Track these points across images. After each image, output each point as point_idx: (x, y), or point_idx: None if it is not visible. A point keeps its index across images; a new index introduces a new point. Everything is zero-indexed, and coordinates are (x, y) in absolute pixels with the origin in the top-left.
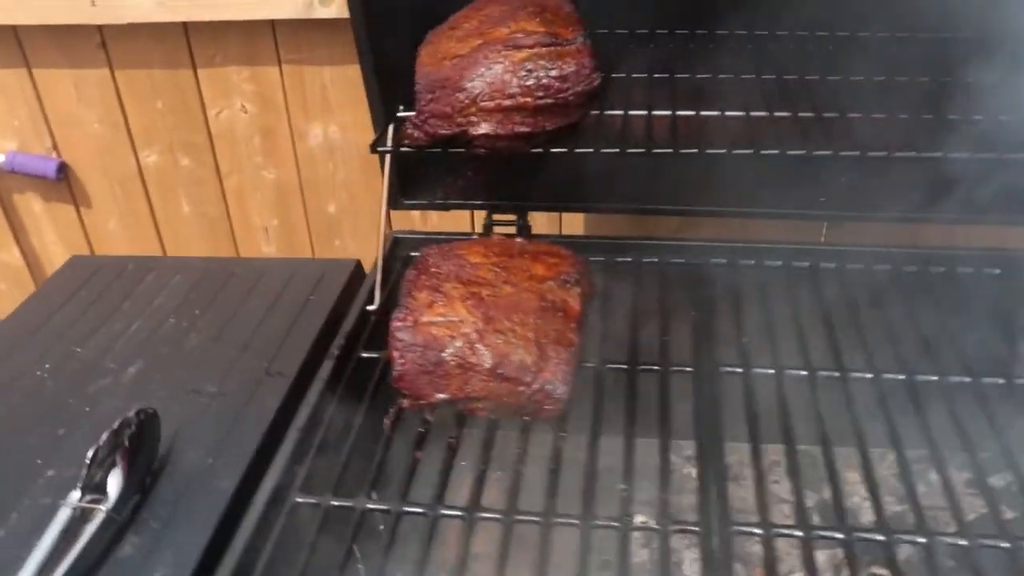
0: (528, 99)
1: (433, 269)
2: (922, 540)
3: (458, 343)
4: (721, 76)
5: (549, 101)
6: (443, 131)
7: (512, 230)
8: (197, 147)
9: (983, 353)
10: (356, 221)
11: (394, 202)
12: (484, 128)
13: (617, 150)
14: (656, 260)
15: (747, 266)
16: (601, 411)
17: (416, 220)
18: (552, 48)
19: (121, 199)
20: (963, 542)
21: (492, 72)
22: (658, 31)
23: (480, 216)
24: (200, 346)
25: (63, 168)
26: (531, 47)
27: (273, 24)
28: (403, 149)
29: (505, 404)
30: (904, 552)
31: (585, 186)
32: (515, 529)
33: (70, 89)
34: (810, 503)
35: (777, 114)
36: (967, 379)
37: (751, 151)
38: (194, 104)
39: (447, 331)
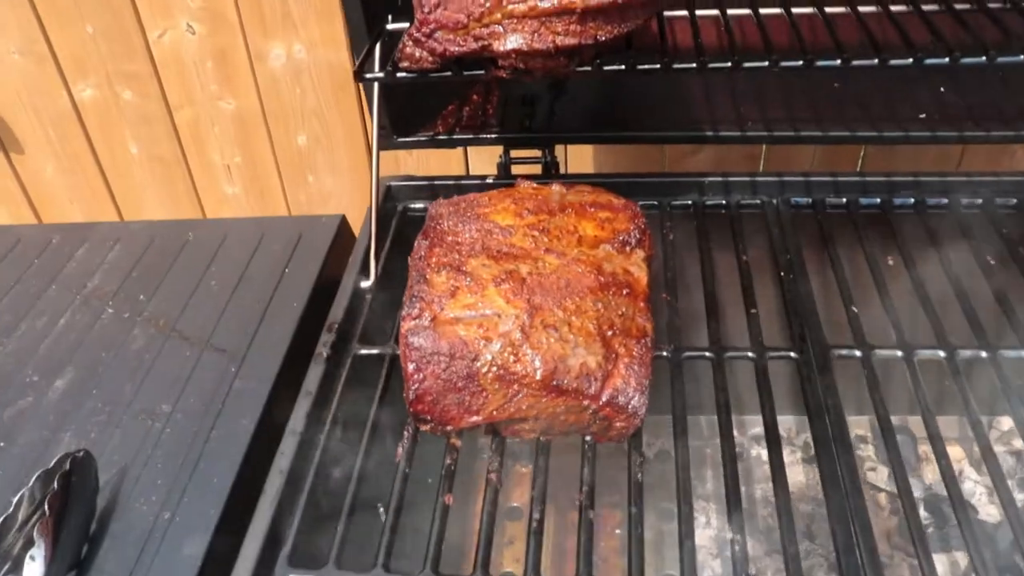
0: None
1: (451, 238)
2: None
3: (496, 347)
4: None
5: (603, 0)
6: (455, 48)
7: (536, 170)
8: (139, 77)
9: None
10: (331, 153)
11: (384, 141)
12: (513, 42)
13: (694, 65)
14: (724, 202)
15: (835, 206)
16: (684, 425)
17: (400, 157)
18: None
19: (56, 142)
20: None
21: None
22: None
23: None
24: (148, 346)
25: None
26: None
27: None
28: (400, 76)
29: (561, 423)
30: None
31: (627, 111)
32: None
33: None
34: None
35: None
36: None
37: (877, 61)
38: (131, 26)
39: (480, 331)
